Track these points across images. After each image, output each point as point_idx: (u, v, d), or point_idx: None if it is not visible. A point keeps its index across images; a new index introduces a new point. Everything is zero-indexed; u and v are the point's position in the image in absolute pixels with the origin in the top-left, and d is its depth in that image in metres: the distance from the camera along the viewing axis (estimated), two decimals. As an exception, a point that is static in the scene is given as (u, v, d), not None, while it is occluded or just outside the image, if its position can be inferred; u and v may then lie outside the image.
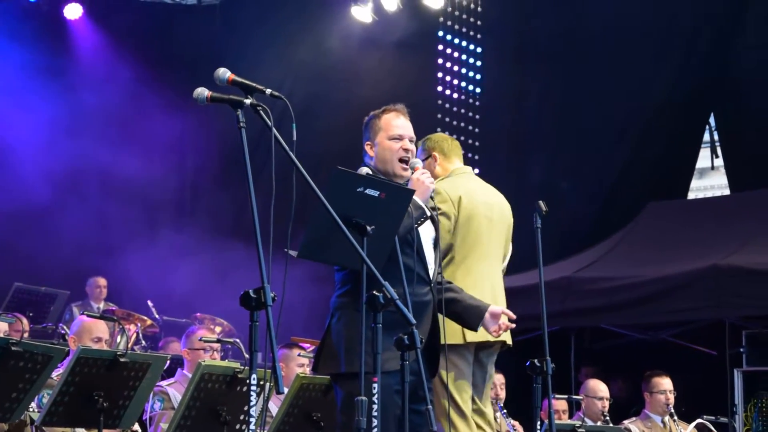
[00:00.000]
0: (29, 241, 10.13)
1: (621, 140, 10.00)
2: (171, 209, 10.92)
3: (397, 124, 4.03)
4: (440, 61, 11.15)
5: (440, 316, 4.43)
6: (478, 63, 11.31)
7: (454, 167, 4.76)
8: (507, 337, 4.61)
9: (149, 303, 9.06)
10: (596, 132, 10.09)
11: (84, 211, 10.08)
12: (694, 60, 10.00)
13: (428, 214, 3.98)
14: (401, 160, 4.00)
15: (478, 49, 11.32)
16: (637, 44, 10.02)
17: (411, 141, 4.05)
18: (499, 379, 6.58)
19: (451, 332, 4.44)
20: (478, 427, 4.56)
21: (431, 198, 4.03)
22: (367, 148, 4.06)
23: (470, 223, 4.58)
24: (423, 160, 4.76)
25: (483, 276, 4.59)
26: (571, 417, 6.76)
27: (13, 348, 4.18)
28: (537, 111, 10.49)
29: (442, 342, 4.06)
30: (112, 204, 10.36)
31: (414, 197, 3.84)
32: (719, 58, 9.91)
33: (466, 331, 4.44)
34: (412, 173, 3.99)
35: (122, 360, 4.49)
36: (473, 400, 4.59)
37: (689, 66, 10.01)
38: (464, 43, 11.29)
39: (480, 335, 4.46)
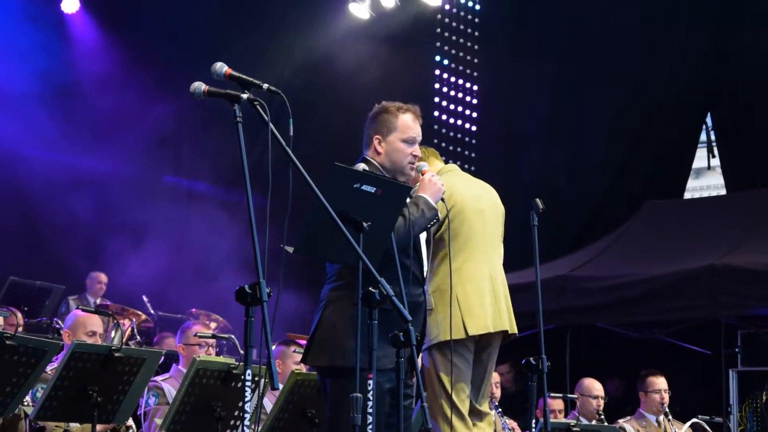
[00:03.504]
0: (24, 235, 10.12)
1: (617, 139, 10.02)
2: (170, 203, 10.90)
3: (413, 127, 4.01)
4: (437, 58, 11.16)
5: (435, 316, 4.45)
6: (475, 60, 11.32)
7: (438, 168, 4.76)
8: (513, 326, 4.57)
9: (144, 298, 9.06)
10: (593, 130, 10.11)
11: (79, 203, 10.07)
12: (690, 59, 10.01)
13: (440, 217, 3.99)
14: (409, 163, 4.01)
15: (475, 47, 11.33)
16: (633, 42, 10.04)
17: (418, 143, 4.04)
18: (494, 377, 6.59)
19: (454, 326, 4.45)
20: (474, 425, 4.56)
21: (443, 200, 4.04)
22: (375, 141, 3.99)
23: (461, 218, 4.57)
24: None
25: (480, 267, 4.58)
26: (566, 416, 6.76)
27: (7, 342, 4.17)
28: (533, 108, 10.49)
29: (434, 341, 4.06)
30: (107, 196, 10.34)
31: (427, 198, 3.86)
32: (716, 57, 9.92)
33: (468, 324, 4.43)
34: (421, 175, 3.99)
35: (117, 355, 4.48)
36: (472, 402, 4.57)
37: (686, 65, 10.03)
38: (461, 40, 11.30)
39: (480, 326, 4.46)
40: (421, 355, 4.52)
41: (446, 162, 4.90)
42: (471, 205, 4.61)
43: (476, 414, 4.56)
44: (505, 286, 4.65)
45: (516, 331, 4.59)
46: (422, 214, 3.81)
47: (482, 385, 4.60)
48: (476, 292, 4.51)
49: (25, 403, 4.52)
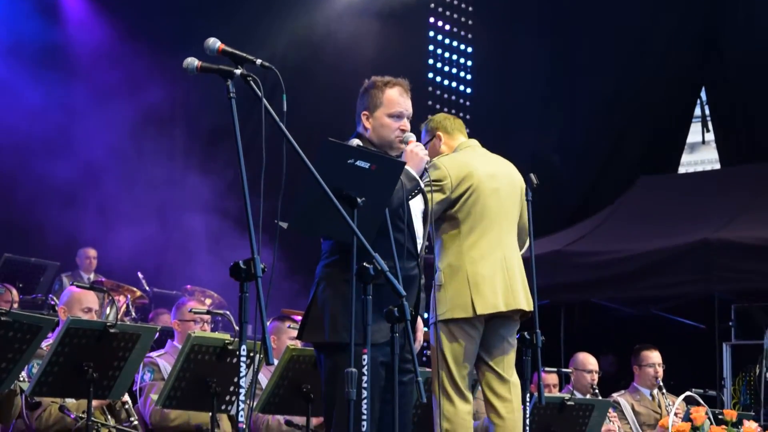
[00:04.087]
0: (18, 211, 10.11)
1: (612, 114, 10.01)
2: (162, 180, 10.89)
3: (400, 101, 3.97)
4: (431, 33, 11.12)
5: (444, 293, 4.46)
6: (469, 35, 11.28)
7: (459, 143, 4.74)
8: (529, 305, 4.55)
9: (139, 275, 9.06)
10: (587, 105, 10.10)
11: (73, 181, 10.05)
12: (685, 34, 9.99)
13: (422, 186, 3.96)
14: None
15: (469, 22, 11.29)
16: (628, 17, 10.00)
17: (408, 119, 4.02)
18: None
19: (461, 305, 4.46)
20: (500, 396, 4.55)
21: (426, 170, 4.01)
22: (363, 117, 3.98)
23: (474, 195, 4.54)
24: (428, 141, 4.77)
25: (492, 246, 4.55)
26: (560, 390, 6.79)
27: (2, 318, 4.16)
28: (528, 84, 10.47)
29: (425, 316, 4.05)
30: (101, 175, 10.33)
31: (408, 168, 3.82)
32: (711, 33, 9.90)
33: (476, 303, 4.43)
34: (406, 146, 3.97)
35: (112, 331, 4.48)
36: (495, 371, 4.57)
37: (681, 39, 10.01)
38: (455, 16, 11.25)
39: (490, 305, 4.46)
40: (428, 329, 4.55)
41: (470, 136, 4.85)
42: (487, 184, 4.57)
43: (503, 382, 4.56)
44: (521, 264, 4.62)
45: (532, 308, 4.56)
46: (401, 185, 3.78)
47: (505, 357, 4.57)
48: (488, 271, 4.49)
49: (21, 379, 4.52)
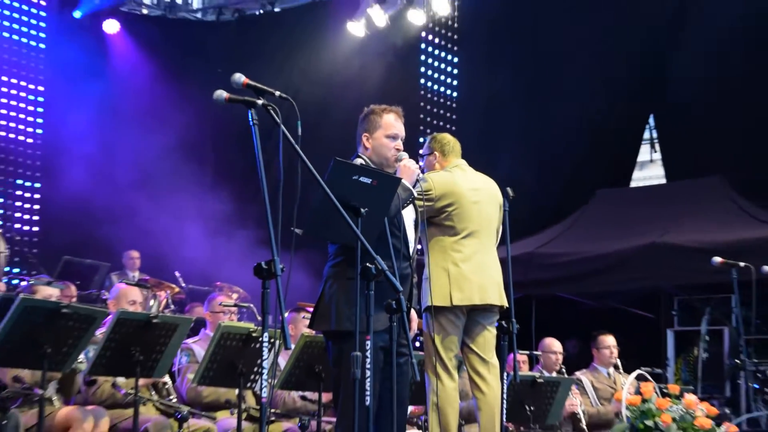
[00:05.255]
0: (75, 221, 10.12)
1: (575, 138, 10.01)
2: (196, 193, 10.91)
3: (396, 125, 3.99)
4: (422, 69, 11.14)
5: (429, 286, 4.46)
6: (455, 71, 11.30)
7: (450, 163, 4.75)
8: (502, 300, 4.56)
9: (177, 273, 9.06)
10: (555, 131, 10.11)
11: (120, 192, 10.08)
12: (635, 68, 10.00)
13: (415, 195, 3.98)
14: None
15: (455, 59, 11.31)
16: (588, 58, 10.02)
17: (402, 140, 4.03)
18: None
19: (441, 296, 4.46)
20: (482, 375, 4.55)
21: (418, 182, 4.02)
22: (363, 138, 3.99)
23: (458, 206, 4.57)
24: (428, 154, 4.79)
25: (473, 250, 4.56)
26: (531, 369, 6.79)
27: (63, 310, 4.19)
28: (505, 112, 10.48)
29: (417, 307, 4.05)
30: (143, 190, 10.34)
31: (403, 181, 3.82)
32: (658, 66, 9.91)
33: (454, 293, 4.45)
34: (400, 162, 3.98)
35: (154, 321, 4.49)
36: (477, 354, 4.56)
37: (632, 73, 10.02)
38: (443, 54, 11.27)
39: (465, 298, 4.47)
40: (421, 319, 4.55)
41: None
42: (468, 196, 4.59)
43: (483, 363, 4.56)
44: (497, 265, 4.63)
45: (506, 304, 4.57)
46: (398, 196, 3.79)
47: (485, 342, 4.58)
48: (466, 271, 4.50)
49: (80, 361, 4.54)
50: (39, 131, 10.76)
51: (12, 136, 10.52)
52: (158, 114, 10.89)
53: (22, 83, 10.56)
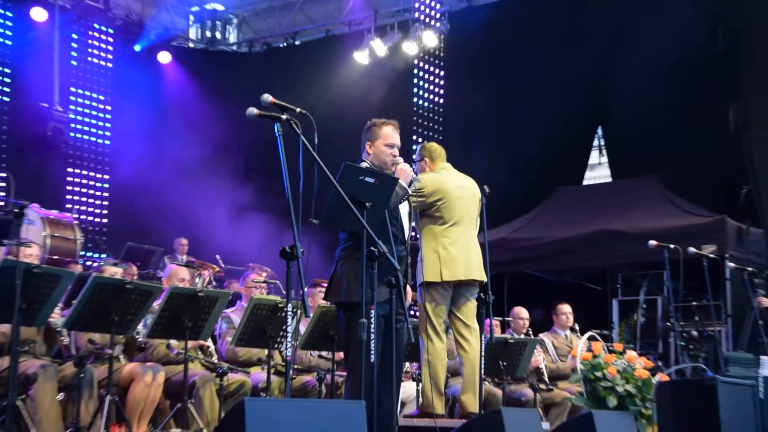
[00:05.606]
0: (136, 213, 10.13)
1: (539, 145, 9.97)
2: (231, 189, 10.89)
3: (393, 135, 3.97)
4: (414, 89, 11.10)
5: (423, 264, 4.45)
6: (441, 91, 11.26)
7: (438, 166, 4.73)
8: (482, 276, 4.54)
9: (217, 256, 9.05)
10: (522, 139, 10.07)
11: (170, 190, 10.08)
12: (587, 89, 9.96)
13: (409, 192, 3.97)
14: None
15: (441, 81, 11.27)
16: (549, 81, 9.99)
17: (398, 148, 4.01)
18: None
19: (433, 273, 4.45)
20: (465, 337, 4.53)
21: (413, 182, 4.01)
22: (367, 146, 3.97)
23: (445, 201, 4.56)
24: (419, 160, 4.78)
25: (458, 235, 4.55)
26: (503, 332, 6.77)
27: (127, 286, 4.19)
28: (481, 124, 10.44)
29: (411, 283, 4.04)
30: (190, 187, 10.34)
31: (400, 181, 3.81)
32: (605, 88, 9.87)
33: (443, 271, 4.44)
34: (397, 166, 3.97)
35: (200, 295, 4.48)
36: (461, 320, 4.54)
37: (584, 93, 9.98)
38: (431, 77, 11.24)
39: (452, 275, 4.45)
40: (416, 292, 4.54)
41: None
42: (454, 193, 4.59)
43: (466, 327, 4.54)
44: (477, 247, 4.62)
45: (485, 279, 4.55)
46: (396, 193, 3.79)
47: (468, 310, 4.56)
48: (453, 253, 4.49)
49: (140, 327, 4.54)
50: (107, 134, 10.85)
51: (86, 138, 10.59)
52: (200, 126, 10.91)
53: (94, 95, 10.78)
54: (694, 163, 8.69)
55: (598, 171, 10.87)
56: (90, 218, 10.48)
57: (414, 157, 4.86)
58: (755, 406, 3.65)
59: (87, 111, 10.68)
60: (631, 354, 4.41)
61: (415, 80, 11.08)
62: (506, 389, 5.81)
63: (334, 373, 5.01)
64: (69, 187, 10.41)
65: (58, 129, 9.83)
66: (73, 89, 10.53)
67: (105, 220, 10.68)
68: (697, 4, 8.56)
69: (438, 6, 10.71)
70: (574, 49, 9.79)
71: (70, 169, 10.43)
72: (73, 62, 10.58)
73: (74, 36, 10.59)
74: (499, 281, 8.24)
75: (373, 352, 3.34)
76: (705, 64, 8.60)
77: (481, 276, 4.56)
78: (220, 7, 12.11)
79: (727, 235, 7.67)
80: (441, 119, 11.13)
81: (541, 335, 6.62)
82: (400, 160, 3.99)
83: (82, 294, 4.05)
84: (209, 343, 5.06)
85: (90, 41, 10.73)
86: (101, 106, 10.84)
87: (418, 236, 4.62)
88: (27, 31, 9.86)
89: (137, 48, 11.23)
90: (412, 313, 6.21)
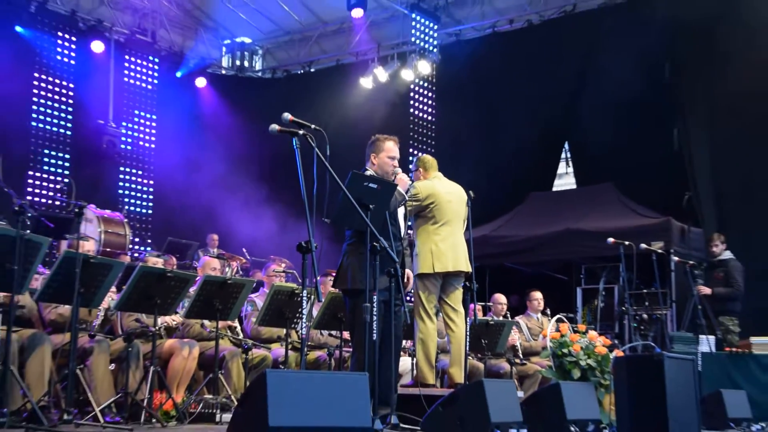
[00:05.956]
0: (175, 213, 10.13)
1: (514, 157, 9.96)
2: (255, 195, 10.88)
3: (394, 149, 3.98)
4: (411, 109, 11.09)
5: (418, 258, 4.42)
6: (433, 111, 11.25)
7: (431, 175, 4.72)
8: (468, 267, 4.52)
9: (243, 249, 9.03)
10: (501, 152, 10.06)
11: (204, 193, 10.10)
12: (557, 111, 9.94)
13: (406, 198, 3.96)
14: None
15: (434, 104, 11.26)
16: (523, 104, 9.98)
17: (398, 160, 4.00)
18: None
19: (426, 266, 4.44)
20: (452, 319, 4.50)
21: (409, 189, 4.01)
22: (372, 157, 3.97)
23: (437, 204, 4.55)
24: (415, 170, 4.77)
25: (447, 233, 4.54)
26: (485, 315, 6.76)
27: (168, 274, 4.18)
28: (468, 139, 10.42)
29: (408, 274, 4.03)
30: (222, 191, 10.34)
31: (398, 188, 3.81)
32: (570, 111, 9.85)
33: (435, 264, 4.42)
34: (397, 176, 3.97)
35: (229, 282, 4.48)
36: (450, 305, 4.52)
37: (553, 115, 9.96)
38: (425, 100, 11.23)
39: (443, 267, 4.44)
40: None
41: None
42: (444, 197, 4.58)
43: (454, 311, 4.52)
44: (464, 244, 4.60)
45: (470, 270, 4.54)
46: (395, 198, 3.77)
47: (455, 297, 4.54)
48: (443, 248, 4.48)
49: (178, 309, 4.52)
50: (153, 146, 10.88)
51: (135, 149, 10.71)
52: (231, 139, 10.94)
53: (142, 113, 10.85)
54: (645, 173, 8.69)
55: (564, 179, 10.87)
56: (137, 217, 10.54)
57: (411, 167, 4.86)
58: (694, 378, 3.69)
59: (136, 127, 10.79)
60: (592, 333, 4.40)
61: (412, 102, 11.09)
62: (487, 363, 5.81)
63: (342, 349, 5.01)
64: (120, 191, 10.49)
65: (112, 142, 10.00)
66: (124, 108, 10.62)
67: (149, 219, 10.73)
68: (647, 42, 8.58)
69: (431, 40, 10.72)
70: (546, 78, 9.79)
71: (121, 176, 10.53)
72: (125, 86, 10.66)
73: (126, 64, 10.73)
74: (481, 272, 8.22)
75: (374, 331, 3.33)
76: (655, 91, 8.62)
77: (467, 267, 4.56)
78: (248, 40, 12.14)
79: (672, 233, 7.67)
80: (433, 135, 11.13)
81: (516, 318, 6.62)
82: (399, 170, 4.00)
83: (131, 281, 4.05)
84: (236, 323, 5.04)
85: (139, 68, 10.91)
86: (148, 123, 10.94)
87: (413, 235, 4.61)
88: (88, 60, 10.10)
89: (178, 74, 11.31)
90: (408, 298, 6.20)
